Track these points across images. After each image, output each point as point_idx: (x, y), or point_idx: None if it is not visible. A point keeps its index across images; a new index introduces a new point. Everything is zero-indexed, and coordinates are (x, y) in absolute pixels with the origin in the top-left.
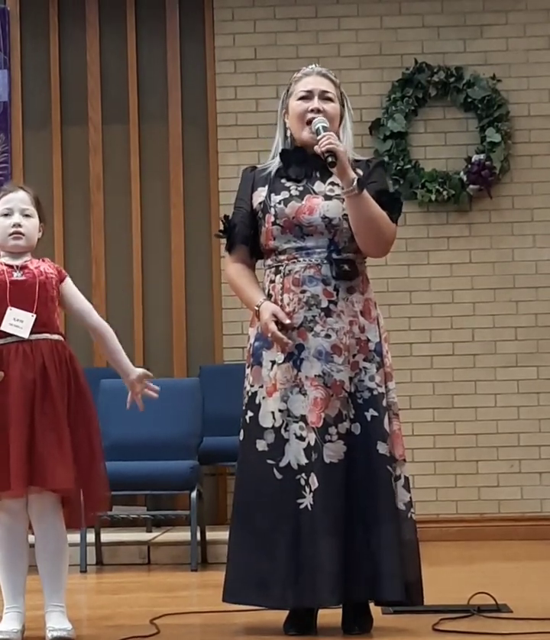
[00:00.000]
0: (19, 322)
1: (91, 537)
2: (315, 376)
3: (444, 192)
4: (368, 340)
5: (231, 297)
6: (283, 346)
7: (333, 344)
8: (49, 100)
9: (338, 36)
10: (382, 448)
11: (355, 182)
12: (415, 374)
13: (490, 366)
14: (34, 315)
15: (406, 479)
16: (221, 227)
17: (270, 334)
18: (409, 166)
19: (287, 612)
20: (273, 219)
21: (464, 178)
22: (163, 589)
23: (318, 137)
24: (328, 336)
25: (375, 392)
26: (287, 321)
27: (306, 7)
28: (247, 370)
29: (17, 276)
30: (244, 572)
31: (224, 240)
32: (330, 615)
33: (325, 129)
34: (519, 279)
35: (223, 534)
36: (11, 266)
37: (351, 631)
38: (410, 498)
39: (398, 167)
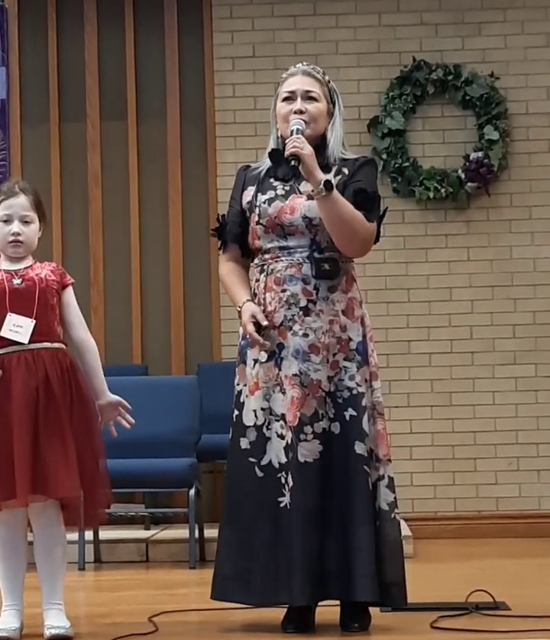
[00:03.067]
0: (19, 328)
1: (89, 534)
2: (293, 375)
3: (443, 190)
4: (350, 339)
5: None
6: (261, 347)
7: (311, 344)
8: (47, 97)
9: (336, 33)
10: (359, 448)
11: (322, 184)
12: (413, 372)
13: (488, 363)
14: (34, 321)
15: (391, 479)
16: (216, 225)
17: (248, 335)
18: (407, 163)
19: (286, 609)
20: (257, 219)
21: (462, 175)
22: (161, 587)
23: (287, 141)
24: (306, 335)
25: (354, 392)
26: (265, 323)
27: (304, 4)
28: (236, 368)
29: (16, 282)
30: (229, 570)
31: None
32: (328, 613)
33: (298, 131)
34: (517, 277)
35: None
36: (10, 273)
37: (349, 628)
38: (395, 498)
39: (396, 165)
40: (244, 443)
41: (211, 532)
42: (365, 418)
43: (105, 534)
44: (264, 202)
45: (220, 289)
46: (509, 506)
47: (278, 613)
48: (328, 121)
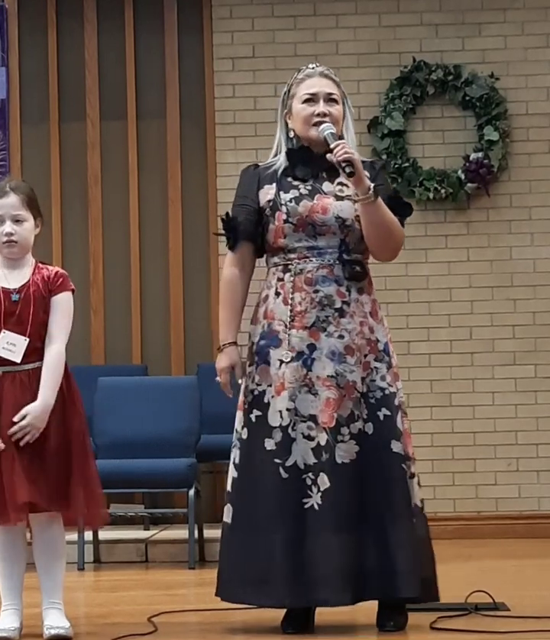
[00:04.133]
0: (12, 346)
1: (88, 535)
2: (328, 376)
3: (442, 191)
4: (377, 340)
5: None
6: (227, 393)
7: (346, 345)
8: (47, 96)
9: (336, 34)
10: (396, 447)
11: (371, 190)
12: (413, 372)
13: (488, 364)
14: (27, 340)
15: (418, 476)
16: (221, 225)
17: (218, 380)
18: (406, 164)
19: (285, 610)
20: (284, 217)
21: (462, 176)
22: (160, 587)
23: (332, 146)
24: (341, 336)
25: (386, 392)
26: (240, 381)
27: (304, 5)
28: (250, 368)
29: (14, 298)
30: (241, 571)
31: (223, 238)
32: (327, 614)
33: (333, 136)
34: (517, 278)
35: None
36: (8, 291)
37: (385, 627)
38: (422, 495)
39: (396, 165)
40: (270, 444)
41: (211, 533)
42: (398, 417)
43: (104, 534)
44: (290, 201)
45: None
46: (508, 507)
47: (277, 614)
48: (343, 123)
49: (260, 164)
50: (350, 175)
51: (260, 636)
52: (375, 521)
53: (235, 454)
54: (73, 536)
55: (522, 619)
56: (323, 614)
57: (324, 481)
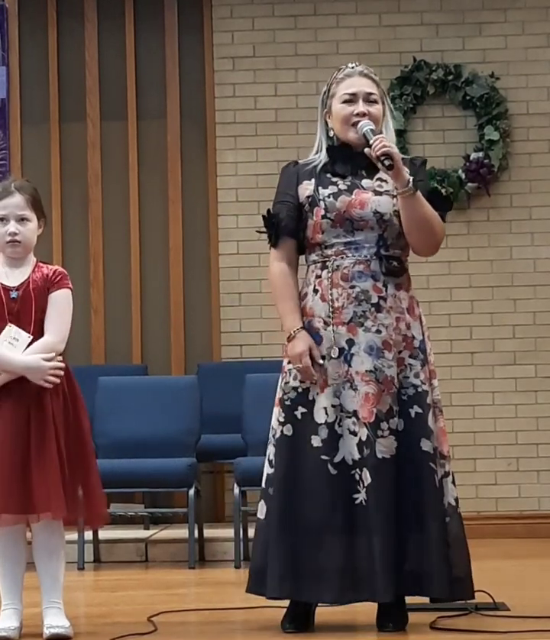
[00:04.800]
0: (15, 340)
1: (88, 534)
2: (366, 371)
3: (443, 190)
4: (413, 337)
5: (229, 295)
6: (309, 379)
7: (384, 340)
8: (47, 96)
9: (336, 33)
10: (425, 445)
11: (410, 183)
12: None
13: (488, 364)
14: (30, 337)
15: (453, 475)
16: (262, 223)
17: (298, 366)
18: None
19: (284, 608)
20: (323, 212)
21: (463, 176)
22: (160, 587)
23: (372, 141)
24: (379, 331)
25: (419, 389)
26: (319, 361)
27: (305, 4)
28: (290, 365)
29: (13, 295)
30: (294, 567)
31: (228, 237)
32: (327, 614)
33: (373, 132)
34: (517, 277)
35: (221, 532)
36: (8, 288)
37: (385, 627)
38: (457, 493)
39: None
40: (316, 441)
41: (211, 532)
42: (430, 415)
43: (104, 534)
44: (328, 196)
45: (220, 289)
46: (508, 507)
47: (277, 613)
48: (382, 121)
49: (299, 161)
50: (389, 168)
51: (260, 635)
52: (412, 519)
53: (272, 451)
54: (73, 536)
55: (522, 619)
56: (323, 613)
57: (366, 477)
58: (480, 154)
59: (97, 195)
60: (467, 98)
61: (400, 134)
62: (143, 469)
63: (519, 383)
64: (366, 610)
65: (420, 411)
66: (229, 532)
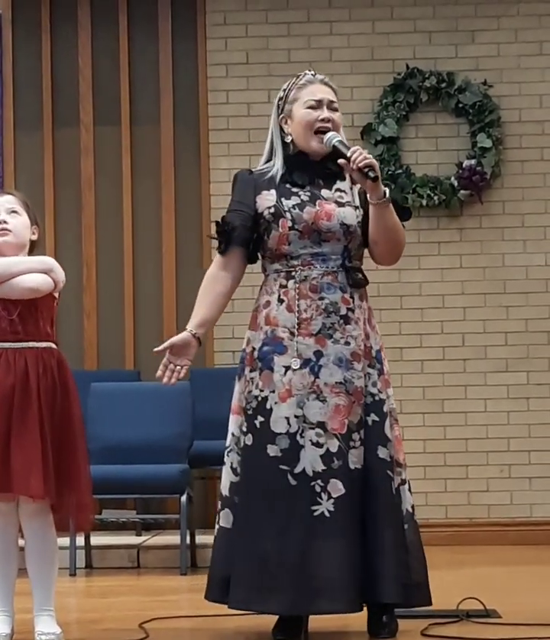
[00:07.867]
0: None
1: (80, 540)
2: (336, 383)
3: (435, 197)
4: (371, 347)
5: None
6: (161, 377)
7: (352, 351)
8: (40, 102)
9: (329, 40)
10: (382, 453)
11: (387, 194)
12: (406, 379)
13: (480, 371)
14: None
15: (409, 483)
16: (214, 229)
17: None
18: (400, 171)
19: (277, 616)
20: (290, 224)
21: (455, 183)
22: (152, 593)
23: (348, 153)
24: (347, 343)
25: (377, 398)
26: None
27: (298, 11)
28: (252, 374)
29: None
30: (248, 577)
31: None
32: (319, 620)
33: (344, 144)
34: (510, 285)
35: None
36: None
37: (380, 634)
38: (413, 501)
39: (389, 172)
40: (273, 450)
41: (203, 539)
42: (387, 423)
43: (96, 540)
44: (294, 207)
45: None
46: (500, 514)
47: (269, 620)
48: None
49: (253, 170)
50: (374, 180)
51: None
52: (365, 525)
53: (232, 459)
54: (65, 541)
55: (513, 626)
56: (315, 620)
57: (338, 488)
58: (473, 162)
59: (90, 200)
60: (460, 105)
61: (393, 141)
62: (135, 475)
63: (512, 390)
64: (358, 618)
65: (377, 419)
66: None
